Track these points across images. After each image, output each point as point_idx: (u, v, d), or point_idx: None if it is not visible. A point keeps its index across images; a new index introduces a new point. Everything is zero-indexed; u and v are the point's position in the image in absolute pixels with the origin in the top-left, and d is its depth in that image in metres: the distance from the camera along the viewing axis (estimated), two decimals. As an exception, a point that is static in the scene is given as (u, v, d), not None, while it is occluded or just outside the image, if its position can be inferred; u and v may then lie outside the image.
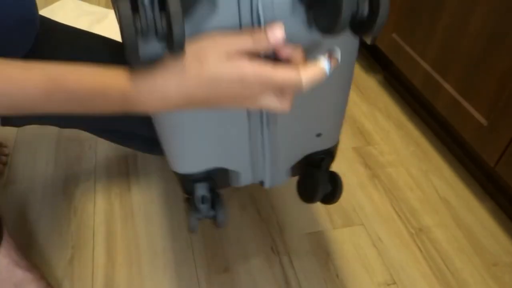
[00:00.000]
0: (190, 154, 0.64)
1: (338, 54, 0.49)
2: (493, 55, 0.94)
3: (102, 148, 1.10)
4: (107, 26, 1.52)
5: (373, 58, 1.55)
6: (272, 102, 0.49)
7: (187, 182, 0.69)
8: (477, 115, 1.00)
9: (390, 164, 1.15)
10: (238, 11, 0.47)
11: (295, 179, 0.77)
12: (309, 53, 0.50)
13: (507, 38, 0.90)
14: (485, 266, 0.92)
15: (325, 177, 0.72)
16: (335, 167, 0.67)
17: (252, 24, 0.48)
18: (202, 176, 0.68)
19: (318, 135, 0.67)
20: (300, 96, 0.54)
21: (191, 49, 0.44)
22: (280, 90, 0.48)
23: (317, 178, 0.71)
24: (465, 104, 1.03)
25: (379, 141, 1.22)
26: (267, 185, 0.71)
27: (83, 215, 0.95)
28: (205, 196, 0.70)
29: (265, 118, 0.60)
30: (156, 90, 0.46)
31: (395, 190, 1.08)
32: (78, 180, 1.03)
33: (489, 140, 0.96)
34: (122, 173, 1.06)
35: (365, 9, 0.46)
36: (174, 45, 0.36)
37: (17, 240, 0.78)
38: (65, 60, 0.50)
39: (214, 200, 0.71)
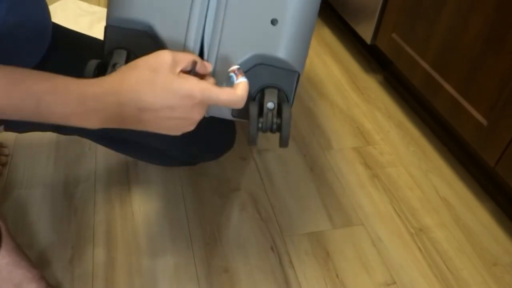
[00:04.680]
0: None
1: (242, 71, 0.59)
2: (493, 55, 0.94)
3: (102, 148, 1.10)
4: (107, 26, 1.52)
5: (373, 58, 1.56)
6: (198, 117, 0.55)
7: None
8: (477, 115, 1.00)
9: (390, 164, 1.15)
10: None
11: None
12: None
13: (507, 38, 0.90)
14: (485, 266, 0.93)
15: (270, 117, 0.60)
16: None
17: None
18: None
19: (274, 21, 0.58)
20: None
21: (145, 61, 0.51)
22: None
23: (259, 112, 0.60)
24: (465, 104, 1.03)
25: (379, 141, 1.22)
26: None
27: (83, 215, 0.95)
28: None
29: None
30: (113, 93, 0.50)
31: (395, 190, 1.08)
32: (78, 180, 1.03)
33: (489, 140, 0.96)
34: (122, 173, 1.06)
35: None
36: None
37: (17, 240, 0.78)
38: (78, 67, 0.52)
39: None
